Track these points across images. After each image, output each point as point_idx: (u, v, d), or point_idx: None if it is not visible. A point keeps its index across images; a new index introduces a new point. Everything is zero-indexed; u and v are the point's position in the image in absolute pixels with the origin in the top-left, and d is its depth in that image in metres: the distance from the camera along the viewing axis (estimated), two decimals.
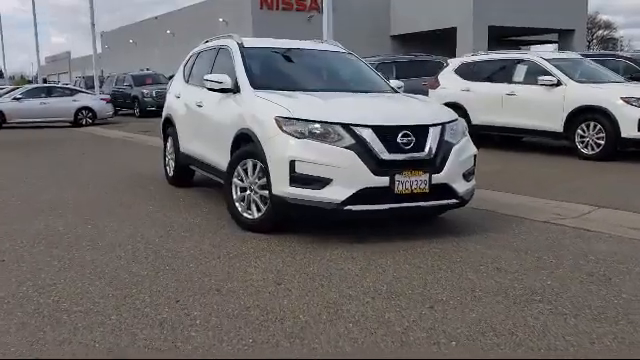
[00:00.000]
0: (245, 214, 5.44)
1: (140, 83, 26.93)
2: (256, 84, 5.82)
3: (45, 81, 49.37)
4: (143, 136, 16.43)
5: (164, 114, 8.23)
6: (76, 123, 21.35)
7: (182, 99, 7.53)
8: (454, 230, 5.49)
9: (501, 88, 11.54)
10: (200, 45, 7.97)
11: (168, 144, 8.08)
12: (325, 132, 4.85)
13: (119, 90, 27.63)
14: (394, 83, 6.65)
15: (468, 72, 12.46)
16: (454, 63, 12.95)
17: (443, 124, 5.22)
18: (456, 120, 5.43)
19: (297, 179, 4.82)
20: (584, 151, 10.23)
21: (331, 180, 4.76)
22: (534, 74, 11.07)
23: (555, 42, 43.12)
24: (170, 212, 6.28)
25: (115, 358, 3.01)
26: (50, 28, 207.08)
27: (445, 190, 5.09)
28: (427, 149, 5.01)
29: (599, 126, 10.02)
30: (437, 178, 4.99)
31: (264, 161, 5.09)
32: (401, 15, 40.28)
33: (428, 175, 4.93)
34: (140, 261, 4.50)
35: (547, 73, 10.78)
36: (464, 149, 5.29)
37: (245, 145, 5.47)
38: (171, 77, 28.22)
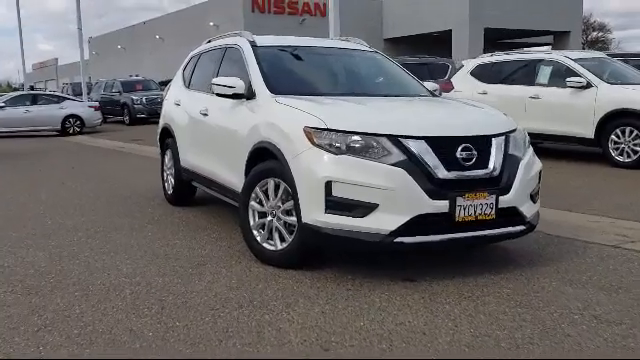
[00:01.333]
0: (265, 244, 4.51)
1: (130, 89, 25.92)
2: (274, 89, 4.90)
3: (32, 88, 48.14)
4: (135, 145, 15.46)
5: (161, 124, 7.28)
6: (63, 132, 20.32)
7: (183, 107, 6.59)
8: (514, 260, 4.60)
9: (523, 91, 10.69)
10: (202, 45, 7.04)
11: (166, 157, 7.14)
12: (367, 146, 3.93)
13: (108, 97, 26.59)
14: (429, 85, 5.75)
15: (485, 74, 11.60)
16: (469, 64, 12.08)
17: (506, 134, 4.33)
18: (516, 129, 4.53)
19: (334, 204, 3.89)
20: (619, 159, 9.39)
21: (377, 205, 3.84)
22: (560, 75, 10.26)
23: (549, 44, 42.56)
24: (173, 239, 5.33)
25: (115, 358, 2.88)
26: (38, 35, 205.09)
27: (513, 215, 4.19)
28: (491, 165, 4.11)
29: (636, 131, 9.18)
30: (504, 201, 4.08)
31: (290, 182, 4.16)
32: (394, 18, 39.58)
33: (494, 197, 4.02)
34: (142, 314, 3.55)
35: (575, 74, 9.94)
36: (531, 164, 4.40)
37: (265, 161, 4.54)
38: (162, 83, 27.41)
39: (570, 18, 38.73)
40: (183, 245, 5.13)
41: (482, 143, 4.12)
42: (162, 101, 23.50)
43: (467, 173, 4.00)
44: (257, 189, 4.54)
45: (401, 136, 3.93)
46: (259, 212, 4.56)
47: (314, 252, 4.36)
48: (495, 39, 39.99)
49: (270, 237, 4.48)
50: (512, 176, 4.16)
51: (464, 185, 3.97)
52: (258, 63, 5.20)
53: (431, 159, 3.91)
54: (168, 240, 5.31)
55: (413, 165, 3.86)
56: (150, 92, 25.56)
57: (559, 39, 39.88)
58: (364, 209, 3.85)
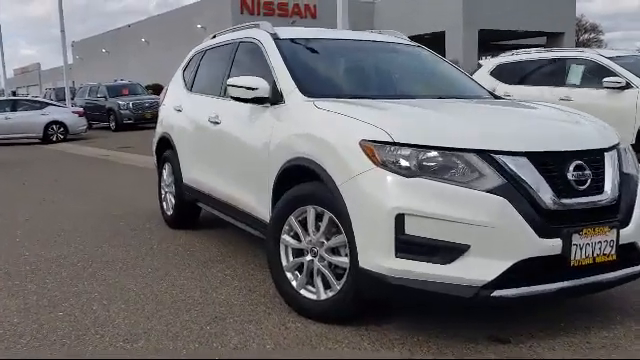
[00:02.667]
0: (303, 291, 3.49)
1: (115, 94, 24.74)
2: (308, 90, 3.89)
3: (14, 94, 46.88)
4: (123, 154, 14.39)
5: (158, 132, 6.24)
6: (46, 139, 19.18)
7: (185, 113, 5.56)
8: (614, 305, 3.65)
9: (552, 92, 9.73)
10: (205, 41, 6.03)
11: (165, 172, 6.10)
12: (448, 165, 2.93)
13: (93, 102, 25.41)
14: (488, 85, 4.79)
15: (507, 74, 10.65)
16: (489, 64, 11.14)
17: (616, 147, 3.35)
18: (620, 141, 3.54)
19: (408, 246, 2.88)
20: None
21: (467, 247, 2.83)
22: (595, 75, 9.34)
23: (542, 45, 42.03)
24: (179, 278, 4.30)
25: (115, 358, 2.70)
26: (20, 40, 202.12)
27: (631, 252, 3.20)
28: (607, 189, 3.12)
29: None
30: (624, 235, 3.09)
31: (341, 212, 3.16)
32: (386, 20, 38.73)
33: (615, 232, 3.03)
34: None
35: (612, 73, 9.01)
36: None
37: (302, 183, 3.53)
38: (148, 87, 26.36)
39: (564, 19, 38.48)
40: (192, 287, 4.10)
41: (595, 160, 3.14)
42: (150, 106, 22.43)
43: (582, 200, 3.01)
44: (292, 219, 3.52)
45: (495, 152, 2.93)
46: (294, 249, 3.55)
47: (371, 303, 3.35)
48: (488, 40, 39.38)
49: (310, 282, 3.47)
50: (630, 203, 3.19)
51: (579, 217, 2.98)
52: (284, 59, 4.19)
53: (537, 183, 2.91)
54: (173, 279, 4.28)
55: (515, 191, 2.86)
56: (137, 97, 24.50)
57: (552, 40, 39.40)
58: (450, 252, 2.84)
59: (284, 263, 3.59)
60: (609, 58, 9.34)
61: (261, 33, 4.62)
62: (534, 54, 10.71)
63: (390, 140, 3.00)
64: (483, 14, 34.46)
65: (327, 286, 3.38)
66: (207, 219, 5.88)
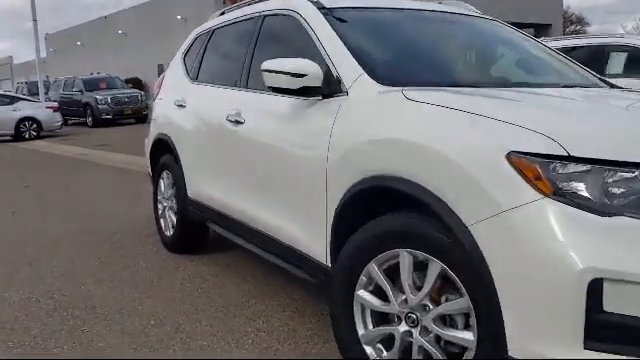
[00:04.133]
0: None
1: (92, 88, 23.32)
2: (382, 76, 2.72)
3: None
4: (102, 152, 13.07)
5: (154, 133, 5.03)
6: (18, 137, 17.78)
7: (191, 109, 4.36)
8: None
9: None
10: (212, 19, 4.83)
11: (163, 183, 4.91)
12: None
13: (68, 96, 23.93)
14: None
15: None
16: None
17: None
18: None
19: (607, 330, 1.75)
20: None
21: None
22: (639, 63, 8.28)
23: None
24: (195, 336, 3.13)
25: (115, 358, 2.52)
26: None
27: None
28: None
29: None
30: None
31: (464, 264, 2.02)
32: None
33: None
34: None
35: None
36: None
37: (387, 214, 2.37)
38: (127, 81, 24.96)
39: (551, 11, 38.40)
40: (217, 353, 2.91)
41: None
42: (129, 100, 21.07)
43: None
44: (373, 268, 2.37)
45: None
46: (377, 313, 2.39)
47: None
48: None
49: None
50: None
51: None
52: (340, 35, 3.01)
53: None
54: (187, 339, 3.09)
55: None
56: (116, 90, 23.12)
57: (540, 32, 38.97)
58: None
59: (360, 332, 2.43)
60: None
61: (299, 2, 3.42)
62: (567, 41, 9.61)
63: (564, 153, 1.84)
64: (472, 6, 33.82)
65: None
66: (214, 239, 4.70)
